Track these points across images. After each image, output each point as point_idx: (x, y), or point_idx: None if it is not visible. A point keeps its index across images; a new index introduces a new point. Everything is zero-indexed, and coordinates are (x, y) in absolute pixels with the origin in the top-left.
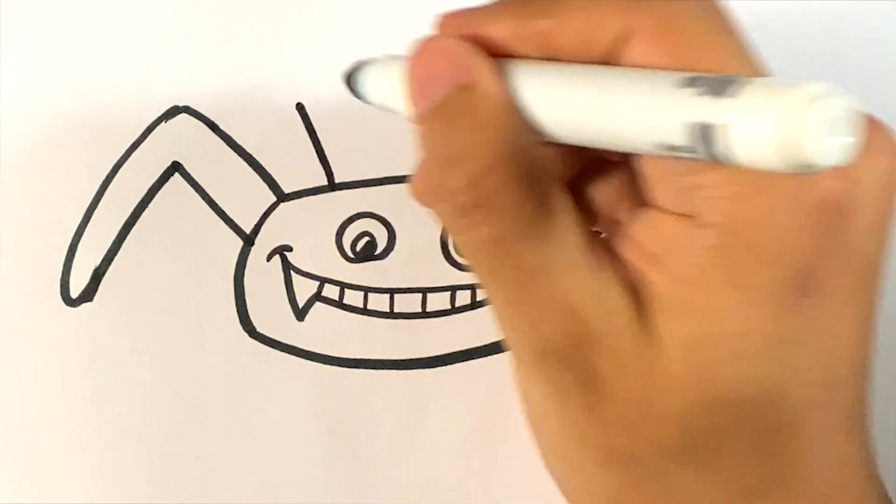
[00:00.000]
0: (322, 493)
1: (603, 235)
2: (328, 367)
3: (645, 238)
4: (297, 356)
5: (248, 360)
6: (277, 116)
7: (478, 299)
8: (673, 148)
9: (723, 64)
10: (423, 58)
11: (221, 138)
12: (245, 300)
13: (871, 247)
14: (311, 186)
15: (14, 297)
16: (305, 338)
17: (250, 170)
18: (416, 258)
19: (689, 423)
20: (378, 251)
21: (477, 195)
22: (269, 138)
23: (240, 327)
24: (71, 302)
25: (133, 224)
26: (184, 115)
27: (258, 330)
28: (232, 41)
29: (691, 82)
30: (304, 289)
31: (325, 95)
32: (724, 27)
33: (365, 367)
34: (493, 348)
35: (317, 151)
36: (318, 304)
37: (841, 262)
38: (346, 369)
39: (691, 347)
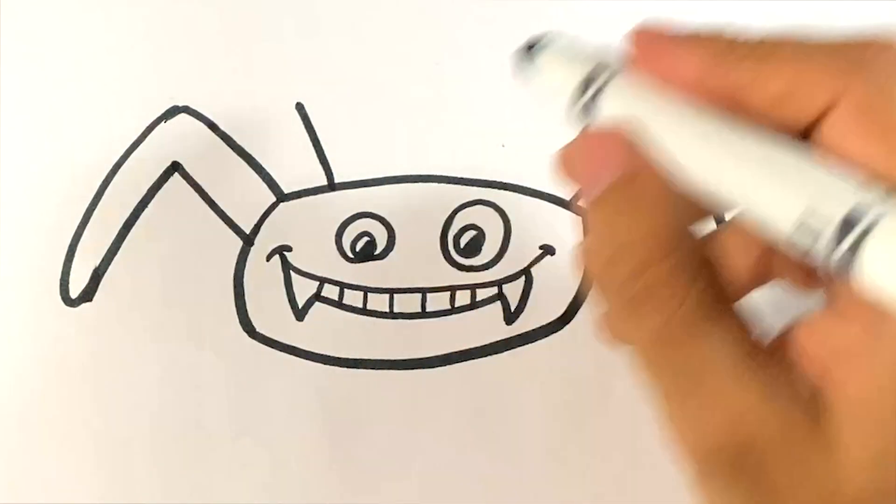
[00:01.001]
0: (322, 492)
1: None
2: (328, 366)
3: (821, 345)
4: (297, 356)
5: (247, 360)
6: (277, 116)
7: (477, 299)
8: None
9: None
10: (585, 149)
11: (221, 138)
12: (245, 300)
13: None
14: (310, 186)
15: (14, 297)
16: (305, 338)
17: (250, 170)
18: (416, 258)
19: None
20: (378, 251)
21: (642, 286)
22: (268, 138)
23: (239, 327)
24: (70, 302)
25: (133, 224)
26: (183, 115)
27: (258, 330)
28: (232, 41)
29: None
30: (304, 289)
31: (325, 95)
32: None
33: (364, 367)
34: (493, 348)
35: (316, 151)
36: (317, 304)
37: None
38: (345, 369)
39: (878, 460)
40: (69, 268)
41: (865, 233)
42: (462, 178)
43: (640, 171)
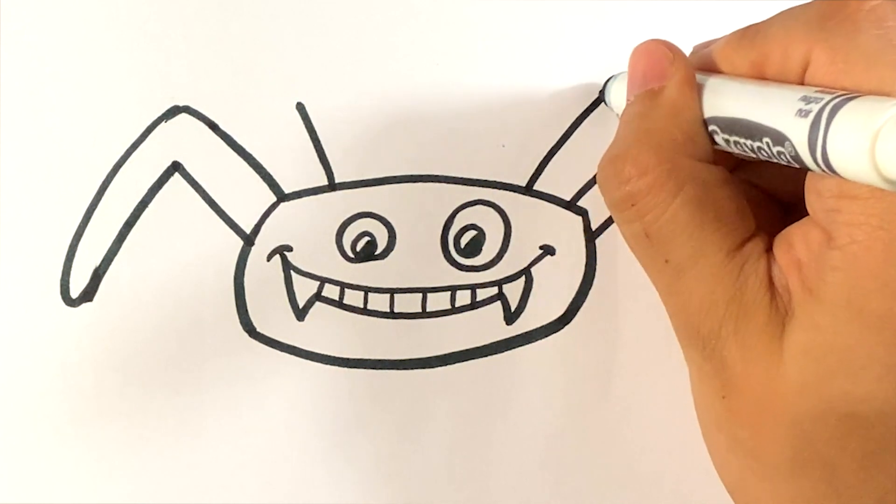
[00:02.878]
0: (322, 493)
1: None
2: (328, 366)
3: (797, 244)
4: (297, 356)
5: (248, 360)
6: (277, 116)
7: (478, 299)
8: (792, 157)
9: (882, 83)
10: (638, 55)
11: (221, 138)
12: (245, 300)
13: None
14: (311, 186)
15: (14, 297)
16: (305, 338)
17: (250, 170)
18: (416, 258)
19: (801, 430)
20: (378, 251)
21: (630, 194)
22: (269, 138)
23: (240, 327)
24: (71, 302)
25: (133, 224)
26: (184, 115)
27: (258, 330)
28: (232, 41)
29: (811, 97)
30: (305, 289)
31: (325, 95)
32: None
33: (365, 367)
34: (493, 348)
35: (317, 151)
36: (318, 303)
37: None
38: (346, 369)
39: (807, 356)
40: (69, 267)
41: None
42: (462, 178)
43: (670, 90)
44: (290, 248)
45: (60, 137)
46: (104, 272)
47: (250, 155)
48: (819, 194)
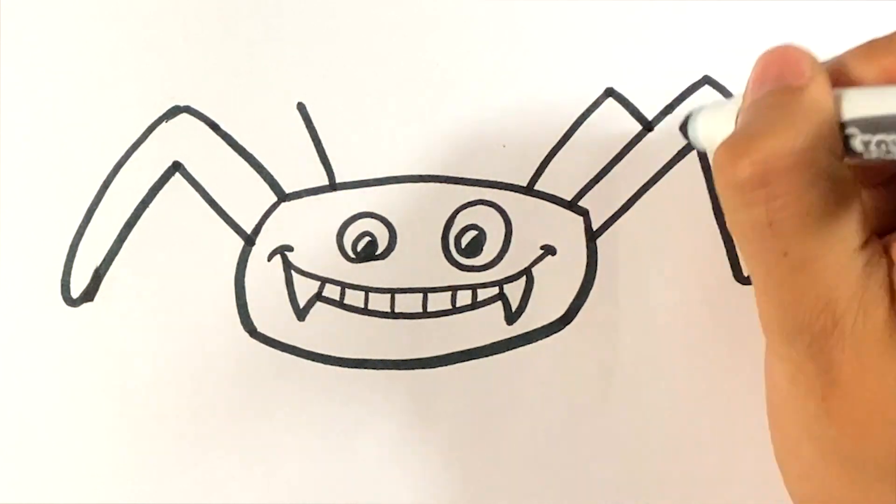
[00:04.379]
0: (322, 493)
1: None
2: (329, 367)
3: None
4: (298, 356)
5: (248, 360)
6: (278, 116)
7: (479, 299)
8: None
9: None
10: (773, 56)
11: (222, 138)
12: (246, 300)
13: None
14: (311, 186)
15: (15, 297)
16: (306, 338)
17: (251, 170)
18: (417, 258)
19: None
20: (379, 251)
21: (764, 173)
22: (269, 138)
23: (240, 327)
24: (72, 302)
25: (134, 224)
26: (185, 115)
27: (259, 330)
28: (232, 41)
29: None
30: (305, 289)
31: (326, 95)
32: None
33: (366, 368)
34: (494, 348)
35: (317, 151)
36: (318, 304)
37: None
38: (346, 369)
39: None
40: (70, 268)
41: None
42: (463, 178)
43: (805, 87)
44: (290, 248)
45: (61, 137)
46: (105, 272)
47: (251, 155)
48: None
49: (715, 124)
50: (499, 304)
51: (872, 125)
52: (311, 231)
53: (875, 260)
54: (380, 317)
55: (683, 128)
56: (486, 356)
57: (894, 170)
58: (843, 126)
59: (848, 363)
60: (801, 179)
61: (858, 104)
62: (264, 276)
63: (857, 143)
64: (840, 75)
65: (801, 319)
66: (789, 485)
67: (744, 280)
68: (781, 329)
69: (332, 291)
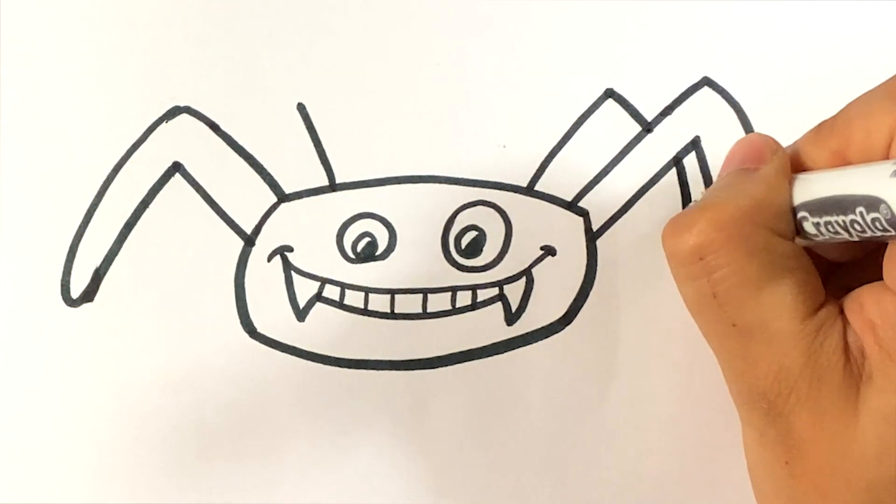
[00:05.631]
0: (322, 493)
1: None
2: (328, 367)
3: (869, 307)
4: (298, 357)
5: (248, 361)
6: (278, 117)
7: (478, 300)
8: (888, 220)
9: None
10: (739, 143)
11: (222, 138)
12: (246, 300)
13: None
14: (311, 187)
15: (15, 297)
16: (306, 338)
17: (251, 170)
18: (417, 259)
19: (876, 498)
20: (379, 252)
21: (703, 245)
22: (269, 139)
23: (240, 328)
24: (72, 302)
25: (134, 224)
26: (185, 116)
27: (259, 330)
28: (232, 41)
29: None
30: (305, 289)
31: (326, 95)
32: None
33: (365, 368)
34: (493, 349)
35: (317, 152)
36: (318, 304)
37: None
38: (346, 370)
39: (886, 421)
40: (70, 268)
41: None
42: (463, 179)
43: (759, 169)
44: (290, 249)
45: (61, 138)
46: (105, 272)
47: (251, 155)
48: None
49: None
50: (499, 304)
51: (819, 207)
52: (311, 231)
53: (829, 324)
54: (380, 317)
55: None
56: (486, 357)
57: (870, 247)
58: (796, 210)
59: (806, 428)
60: (739, 251)
61: (806, 188)
62: (264, 277)
63: (809, 226)
64: (796, 161)
65: (757, 387)
66: None
67: None
68: (740, 396)
69: (331, 292)
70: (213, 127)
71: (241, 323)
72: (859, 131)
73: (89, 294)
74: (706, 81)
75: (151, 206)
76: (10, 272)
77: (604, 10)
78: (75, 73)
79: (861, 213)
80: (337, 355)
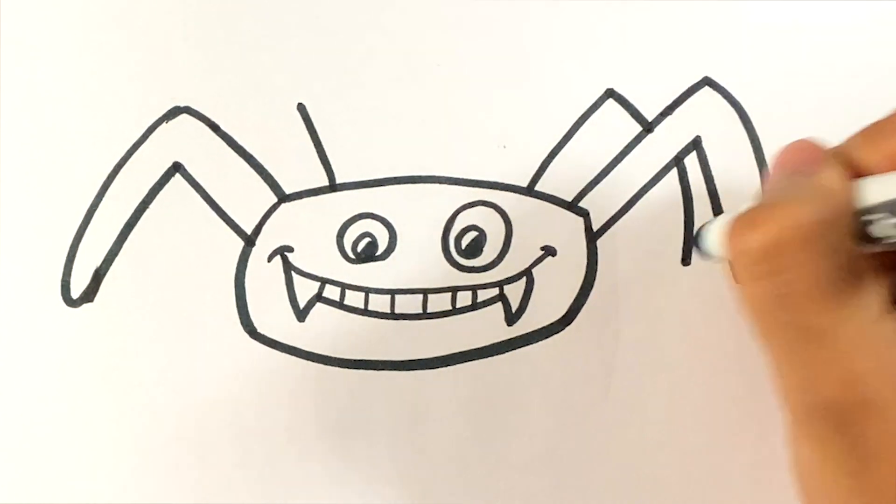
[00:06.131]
0: (322, 493)
1: None
2: (329, 367)
3: None
4: (298, 357)
5: (248, 361)
6: (278, 117)
7: (478, 300)
8: None
9: None
10: (791, 147)
11: (222, 139)
12: (246, 301)
13: None
14: (312, 187)
15: (15, 297)
16: (306, 338)
17: (251, 170)
18: (417, 259)
19: None
20: (379, 252)
21: (776, 244)
22: (270, 139)
23: (240, 328)
24: (72, 302)
25: (134, 225)
26: (185, 116)
27: (259, 330)
28: (232, 41)
29: None
30: (305, 289)
31: (326, 96)
32: None
33: (366, 368)
34: (494, 349)
35: (318, 152)
36: (318, 304)
37: None
38: (346, 370)
39: None
40: (70, 268)
41: None
42: (463, 179)
43: (818, 173)
44: (290, 249)
45: (61, 138)
46: (105, 273)
47: (251, 155)
48: None
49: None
50: (499, 304)
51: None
52: (311, 232)
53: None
54: (380, 317)
55: (696, 240)
56: (487, 357)
57: None
58: (860, 213)
59: (880, 438)
60: (812, 252)
61: (876, 190)
62: (264, 277)
63: (879, 230)
64: (846, 163)
65: (826, 395)
66: None
67: None
68: (803, 406)
69: (332, 292)
70: (213, 127)
71: (241, 323)
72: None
73: (89, 294)
74: (707, 81)
75: (151, 206)
76: (10, 272)
77: (604, 11)
78: (75, 73)
79: None
80: (337, 355)
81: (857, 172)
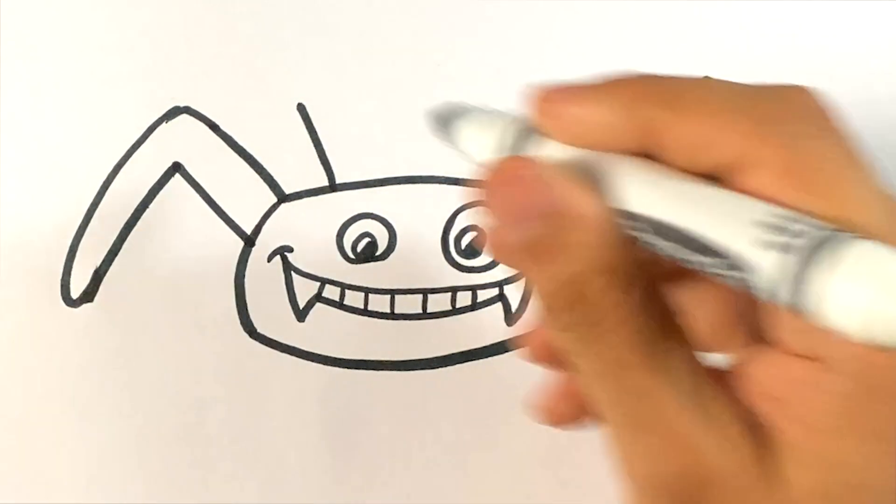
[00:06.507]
0: (322, 493)
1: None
2: (329, 367)
3: (768, 380)
4: (298, 357)
5: (248, 361)
6: (278, 117)
7: (478, 300)
8: (757, 289)
9: (850, 213)
10: (506, 189)
11: (222, 139)
12: (246, 301)
13: None
14: (311, 187)
15: (15, 297)
16: (306, 338)
17: (251, 170)
18: (417, 259)
19: None
20: (379, 252)
21: (585, 311)
22: (269, 139)
23: (240, 328)
24: (72, 302)
25: (134, 225)
26: (185, 116)
27: (259, 331)
28: (232, 41)
29: (794, 228)
30: (305, 289)
31: (327, 96)
32: (856, 170)
33: (366, 368)
34: (494, 349)
35: (317, 152)
36: (318, 304)
37: None
38: (346, 370)
39: (820, 498)
40: (70, 268)
41: (810, 261)
42: (463, 179)
43: (567, 212)
44: (290, 249)
45: (61, 138)
46: (105, 273)
47: (251, 155)
48: (788, 315)
49: (478, 142)
50: (499, 304)
51: (657, 229)
52: (311, 232)
53: (716, 395)
54: (380, 318)
55: (437, 129)
56: (486, 357)
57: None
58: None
59: None
60: (618, 299)
61: (632, 197)
62: (264, 277)
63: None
64: (582, 116)
65: (666, 469)
66: None
67: None
68: (644, 480)
69: (331, 292)
70: (213, 127)
71: (241, 323)
72: (697, 124)
73: (89, 294)
74: None
75: (151, 206)
76: (9, 272)
77: (604, 11)
78: (75, 73)
79: (714, 264)
80: (337, 355)
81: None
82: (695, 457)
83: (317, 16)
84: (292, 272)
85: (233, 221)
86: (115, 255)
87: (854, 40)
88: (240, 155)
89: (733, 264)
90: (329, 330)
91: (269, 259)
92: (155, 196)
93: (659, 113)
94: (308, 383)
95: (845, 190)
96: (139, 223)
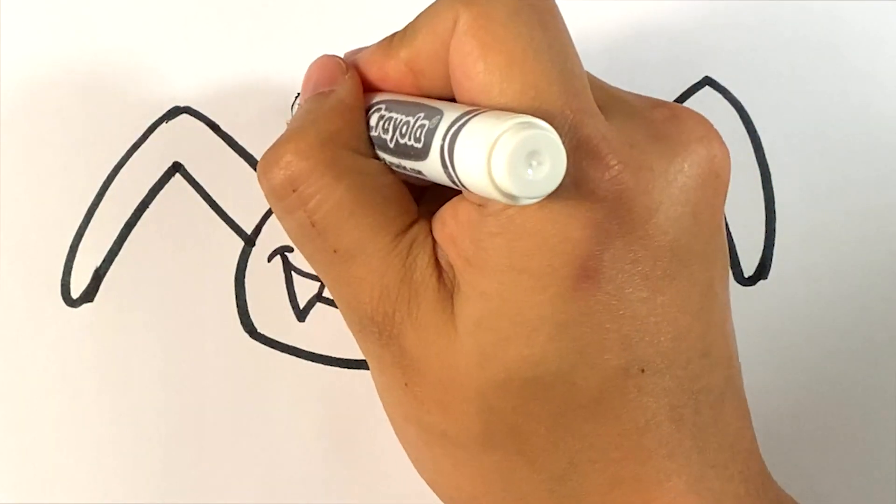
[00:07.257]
0: (322, 493)
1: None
2: (329, 367)
3: (448, 220)
4: (298, 357)
5: (248, 361)
6: (278, 116)
7: None
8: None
9: (513, 67)
10: (311, 67)
11: (222, 139)
12: (246, 301)
13: (668, 235)
14: None
15: (15, 297)
16: (306, 338)
17: (251, 170)
18: None
19: (487, 403)
20: None
21: (292, 177)
22: (270, 139)
23: (240, 328)
24: (72, 302)
25: (134, 224)
26: (185, 116)
27: (259, 330)
28: (232, 41)
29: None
30: (305, 289)
31: None
32: (529, 28)
33: (366, 368)
34: None
35: None
36: (318, 304)
37: (629, 251)
38: (346, 370)
39: (479, 327)
40: (70, 268)
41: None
42: None
43: (334, 91)
44: (290, 249)
45: (61, 138)
46: (105, 273)
47: (251, 155)
48: None
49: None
50: None
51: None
52: None
53: (420, 240)
54: None
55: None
56: None
57: None
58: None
59: (414, 347)
60: (326, 176)
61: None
62: (264, 277)
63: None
64: (371, 73)
65: (364, 312)
66: (420, 472)
67: (744, 281)
68: (353, 325)
69: None
70: (214, 127)
71: (241, 323)
72: (427, 37)
73: (89, 294)
74: (707, 81)
75: (151, 206)
76: (9, 272)
77: (604, 11)
78: (75, 73)
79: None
80: (337, 355)
81: (381, 80)
82: (388, 297)
83: (317, 16)
84: (292, 272)
85: (233, 221)
86: (116, 254)
87: (854, 40)
88: (240, 155)
89: (419, 153)
90: (329, 330)
91: (270, 259)
92: (155, 196)
93: (402, 49)
94: (308, 383)
95: (512, 55)
96: (139, 223)
